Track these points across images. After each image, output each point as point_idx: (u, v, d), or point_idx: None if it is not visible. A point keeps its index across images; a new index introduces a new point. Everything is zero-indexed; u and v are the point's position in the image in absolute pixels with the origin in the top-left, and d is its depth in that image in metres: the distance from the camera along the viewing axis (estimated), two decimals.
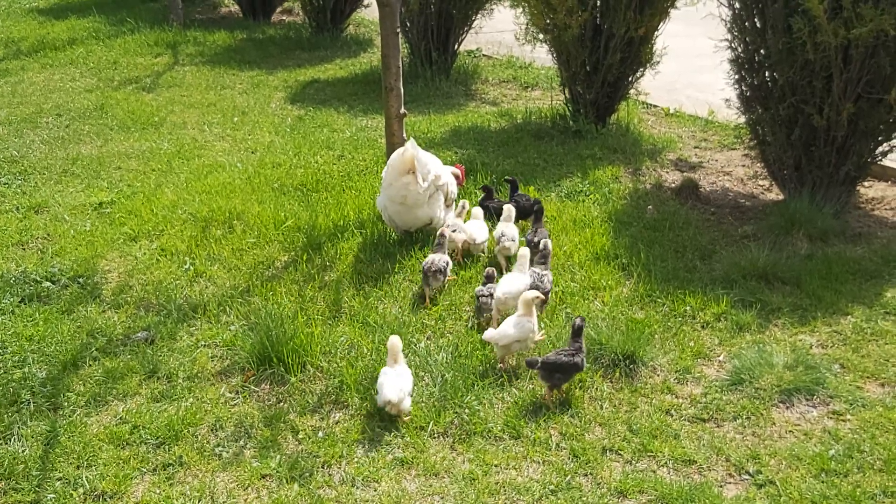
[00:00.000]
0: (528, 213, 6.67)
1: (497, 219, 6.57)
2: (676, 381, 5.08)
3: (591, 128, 8.91)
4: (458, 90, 11.11)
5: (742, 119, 7.61)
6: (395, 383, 4.70)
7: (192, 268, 6.34)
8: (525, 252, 5.78)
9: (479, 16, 11.32)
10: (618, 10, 8.40)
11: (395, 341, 4.87)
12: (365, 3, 14.20)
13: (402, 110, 6.98)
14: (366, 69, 12.19)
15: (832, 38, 6.28)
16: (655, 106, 10.20)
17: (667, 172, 8.18)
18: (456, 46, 11.51)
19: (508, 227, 6.26)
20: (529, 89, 11.25)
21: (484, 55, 12.89)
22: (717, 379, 5.08)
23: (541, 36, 9.13)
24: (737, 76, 7.28)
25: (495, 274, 5.80)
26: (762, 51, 6.97)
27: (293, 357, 5.13)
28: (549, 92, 10.84)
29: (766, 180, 7.82)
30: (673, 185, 7.84)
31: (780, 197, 7.51)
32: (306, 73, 12.08)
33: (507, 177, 7.41)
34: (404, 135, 7.07)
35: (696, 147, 8.93)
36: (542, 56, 10.66)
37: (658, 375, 5.13)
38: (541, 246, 5.95)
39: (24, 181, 8.11)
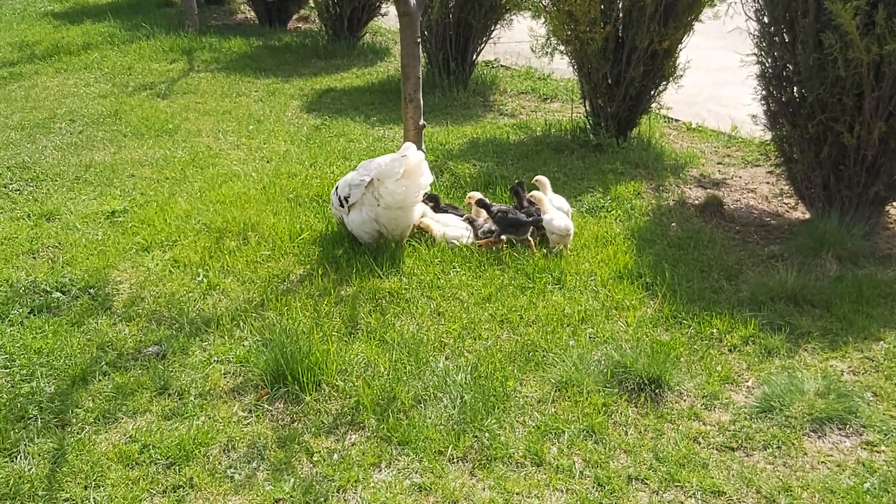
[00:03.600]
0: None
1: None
2: (704, 406, 4.91)
3: (612, 142, 8.75)
4: (476, 101, 10.97)
5: (768, 136, 7.47)
6: None
7: (205, 280, 6.20)
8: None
9: (498, 26, 11.17)
10: (641, 23, 8.25)
11: None
12: (382, 11, 14.08)
13: (421, 122, 6.84)
14: (382, 78, 12.07)
15: (864, 54, 6.11)
16: (677, 120, 10.04)
17: (690, 189, 8.02)
18: (474, 57, 11.37)
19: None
20: (548, 101, 11.10)
21: (502, 66, 12.75)
22: (746, 405, 4.90)
23: (561, 48, 9.00)
24: (764, 92, 7.11)
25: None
26: (790, 66, 6.81)
27: (308, 375, 4.98)
28: (568, 104, 10.70)
29: (792, 198, 7.66)
30: (696, 201, 7.67)
31: (806, 216, 7.34)
32: (323, 82, 11.95)
33: (513, 184, 7.33)
34: (423, 146, 6.94)
35: (719, 163, 8.76)
36: (560, 67, 10.54)
37: (685, 401, 4.96)
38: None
39: (35, 188, 7.97)
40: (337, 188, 6.57)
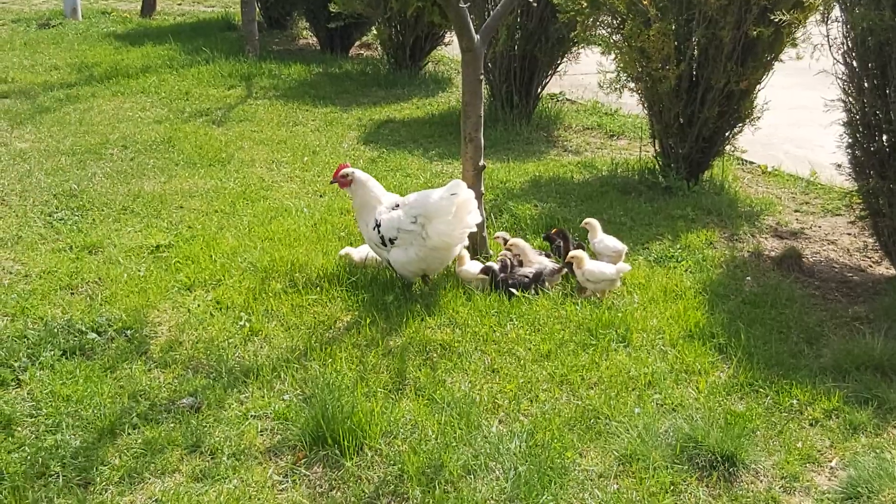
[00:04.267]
0: None
1: None
2: (783, 489, 4.43)
3: (683, 185, 8.29)
4: (540, 136, 10.58)
5: (850, 184, 6.99)
6: None
7: (247, 325, 5.83)
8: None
9: (565, 59, 10.79)
10: (717, 62, 7.82)
11: None
12: (446, 41, 13.77)
13: (482, 162, 6.47)
14: (443, 110, 11.72)
15: None
16: (752, 163, 9.54)
17: (766, 239, 7.53)
18: (539, 90, 10.97)
19: None
20: (615, 138, 10.68)
21: (567, 99, 12.34)
22: (830, 490, 4.42)
23: (631, 85, 8.57)
24: (850, 140, 6.63)
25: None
26: (880, 113, 6.32)
27: (350, 438, 4.59)
28: (635, 142, 10.27)
29: (876, 252, 7.15)
30: (773, 253, 7.19)
31: (891, 271, 6.84)
32: (382, 112, 11.65)
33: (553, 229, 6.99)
34: (482, 189, 6.57)
35: (796, 211, 8.26)
36: (629, 102, 10.04)
37: (761, 482, 4.49)
38: None
39: (81, 217, 7.71)
40: (379, 226, 6.20)
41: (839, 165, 6.83)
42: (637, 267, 6.73)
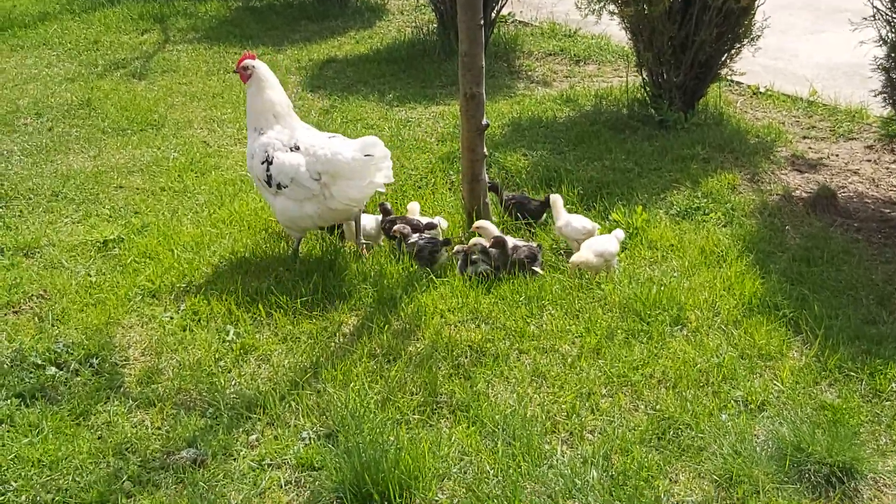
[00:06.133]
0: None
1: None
2: None
3: (679, 117, 7.50)
4: (501, 67, 9.63)
5: (883, 109, 6.33)
6: None
7: (237, 340, 4.90)
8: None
9: None
10: None
11: None
12: None
13: (485, 121, 5.57)
14: (388, 43, 10.63)
15: None
16: (739, 83, 8.75)
17: (786, 175, 6.80)
18: (493, 15, 9.99)
19: None
20: (581, 63, 9.78)
21: (519, 21, 11.34)
22: None
23: (611, 7, 7.70)
24: (887, 63, 5.90)
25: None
26: None
27: (401, 489, 3.76)
28: (605, 66, 9.45)
29: None
30: (799, 192, 6.48)
31: None
32: (320, 50, 10.52)
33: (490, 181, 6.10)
34: (485, 150, 5.69)
35: (805, 138, 7.52)
36: (588, 21, 9.08)
37: (886, 495, 3.81)
38: None
39: (5, 209, 6.58)
40: (269, 162, 5.42)
41: (875, 91, 6.10)
42: (661, 223, 5.95)
